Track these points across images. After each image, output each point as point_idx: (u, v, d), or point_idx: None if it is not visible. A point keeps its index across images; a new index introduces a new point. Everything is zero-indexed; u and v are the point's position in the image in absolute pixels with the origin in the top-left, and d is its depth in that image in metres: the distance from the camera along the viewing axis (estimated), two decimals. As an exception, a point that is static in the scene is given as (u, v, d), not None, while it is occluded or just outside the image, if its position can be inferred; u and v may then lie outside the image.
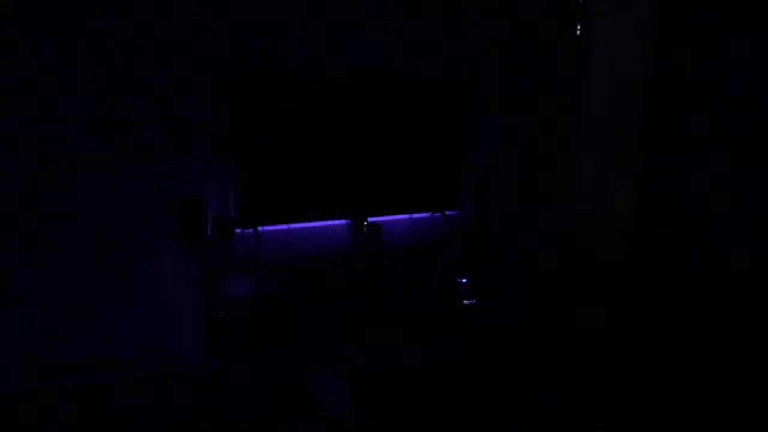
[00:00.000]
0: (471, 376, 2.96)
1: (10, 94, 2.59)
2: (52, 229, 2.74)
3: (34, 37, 2.58)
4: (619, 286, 3.78)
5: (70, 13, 2.61)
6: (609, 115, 3.84)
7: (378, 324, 3.17)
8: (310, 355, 2.95)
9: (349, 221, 3.29)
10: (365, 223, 3.26)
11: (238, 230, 3.05)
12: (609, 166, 3.90)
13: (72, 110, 2.70)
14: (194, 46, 2.86)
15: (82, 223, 2.80)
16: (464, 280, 3.40)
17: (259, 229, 3.08)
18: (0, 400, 2.69)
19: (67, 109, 2.69)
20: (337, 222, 3.29)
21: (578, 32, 3.76)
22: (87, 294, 2.84)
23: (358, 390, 2.71)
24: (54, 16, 2.59)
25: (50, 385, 2.80)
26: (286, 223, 3.16)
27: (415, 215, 3.49)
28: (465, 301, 3.38)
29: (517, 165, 3.80)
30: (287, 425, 2.52)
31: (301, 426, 2.51)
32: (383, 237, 3.25)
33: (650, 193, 3.95)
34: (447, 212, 3.54)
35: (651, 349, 3.27)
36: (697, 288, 3.76)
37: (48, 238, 2.74)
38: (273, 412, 2.61)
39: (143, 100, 2.82)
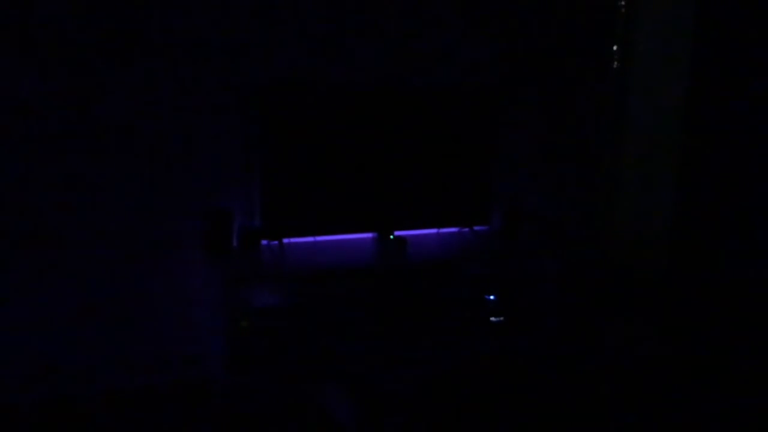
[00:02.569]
0: (489, 395, 2.90)
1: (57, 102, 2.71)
2: (80, 236, 2.83)
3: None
4: (656, 305, 3.66)
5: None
6: (650, 127, 3.73)
7: (400, 339, 3.14)
8: (326, 368, 2.94)
9: (374, 235, 3.28)
10: (391, 236, 3.24)
11: (264, 242, 3.08)
12: (649, 181, 3.78)
13: (108, 122, 2.80)
14: (223, 64, 2.92)
15: (110, 232, 2.87)
16: (492, 297, 3.35)
17: (285, 240, 3.11)
18: (22, 405, 2.76)
19: (104, 121, 2.79)
20: (362, 235, 3.29)
21: (616, 47, 3.68)
22: (112, 300, 2.91)
23: (369, 406, 2.68)
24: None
25: (71, 390, 2.87)
26: (312, 235, 3.17)
27: (443, 230, 3.45)
28: (492, 319, 3.32)
29: (550, 180, 3.73)
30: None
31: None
32: (409, 251, 3.22)
33: (691, 210, 3.82)
34: (475, 227, 3.50)
35: (689, 372, 3.14)
36: (738, 305, 3.59)
37: (77, 242, 2.83)
38: (284, 423, 2.61)
39: (174, 116, 2.89)
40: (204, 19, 2.85)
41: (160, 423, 2.72)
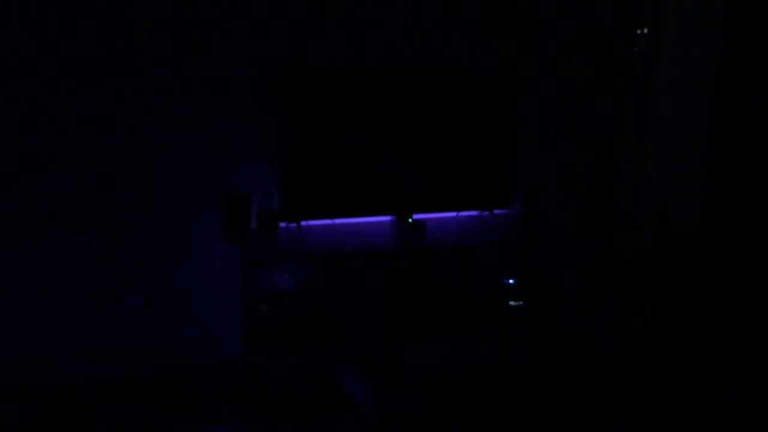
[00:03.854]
0: (508, 380, 2.88)
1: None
2: (100, 218, 2.85)
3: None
4: (678, 293, 3.59)
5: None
6: (675, 115, 3.65)
7: (418, 323, 3.14)
8: (345, 351, 2.95)
9: (393, 218, 3.27)
10: (410, 220, 3.22)
11: (282, 224, 3.07)
12: (673, 168, 3.71)
13: (127, 105, 2.81)
14: (242, 47, 2.90)
15: (130, 214, 2.89)
16: (511, 281, 3.32)
17: (303, 223, 3.10)
18: (47, 386, 2.81)
19: (122, 104, 2.80)
20: (381, 218, 3.27)
21: (644, 32, 3.59)
22: (131, 283, 2.94)
23: (388, 389, 2.68)
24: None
25: (91, 372, 2.91)
26: (330, 218, 3.16)
27: (462, 213, 3.42)
28: (511, 303, 3.29)
29: (574, 165, 3.67)
30: (316, 421, 2.52)
31: (330, 422, 2.50)
32: (428, 235, 3.20)
33: (716, 198, 3.73)
34: (496, 211, 3.46)
35: (710, 361, 3.08)
36: (759, 295, 3.52)
37: (97, 225, 2.85)
38: (301, 404, 2.62)
39: (193, 100, 2.89)
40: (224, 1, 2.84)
41: (179, 404, 2.75)
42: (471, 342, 3.13)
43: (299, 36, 2.98)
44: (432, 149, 3.24)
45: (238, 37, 2.89)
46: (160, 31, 2.78)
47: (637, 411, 2.69)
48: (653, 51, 3.56)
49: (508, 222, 3.45)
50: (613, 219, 3.76)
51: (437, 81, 3.19)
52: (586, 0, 3.45)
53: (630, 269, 3.69)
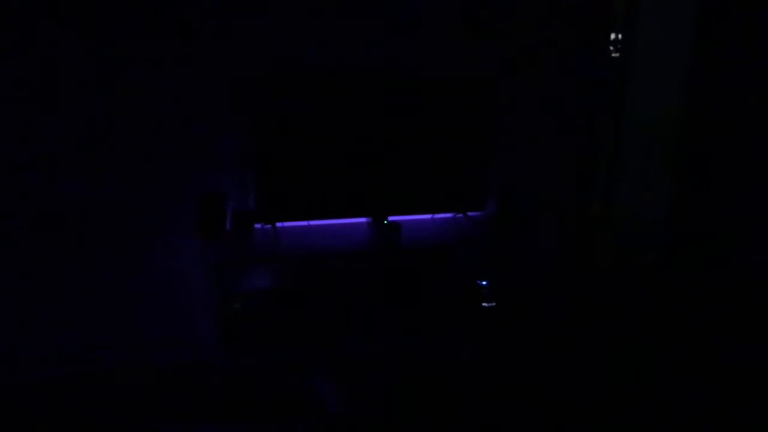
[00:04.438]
0: (480, 380, 2.91)
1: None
2: (75, 219, 2.84)
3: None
4: (651, 296, 3.66)
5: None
6: (649, 120, 3.72)
7: (392, 323, 3.16)
8: (317, 351, 2.96)
9: (368, 220, 3.29)
10: (385, 221, 3.25)
11: (257, 225, 3.08)
12: (647, 171, 3.78)
13: (101, 106, 2.79)
14: (218, 47, 2.90)
15: (105, 215, 2.88)
16: (484, 283, 3.36)
17: (278, 224, 3.11)
18: (19, 386, 2.78)
19: (96, 106, 2.78)
20: (356, 220, 3.30)
21: (617, 36, 3.66)
22: (107, 284, 2.92)
23: (360, 389, 2.70)
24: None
25: (64, 372, 2.89)
26: (306, 219, 3.18)
27: (437, 215, 3.45)
28: (484, 304, 3.33)
29: (547, 167, 3.72)
30: (286, 420, 2.53)
31: (299, 422, 2.52)
32: (403, 236, 3.23)
33: (688, 202, 3.82)
34: (470, 213, 3.50)
35: (681, 364, 3.14)
36: (728, 298, 3.60)
37: (71, 228, 2.83)
38: (273, 406, 2.63)
39: (170, 100, 2.88)
40: (197, 3, 2.83)
41: (153, 405, 2.74)
42: (443, 342, 3.17)
43: (276, 39, 2.99)
44: (408, 152, 3.27)
45: (214, 39, 2.89)
46: (133, 35, 2.78)
47: (611, 411, 2.73)
48: (628, 55, 3.63)
49: (482, 224, 3.49)
50: (588, 221, 3.82)
51: (412, 86, 3.21)
52: (560, 4, 3.50)
53: (603, 270, 3.75)
